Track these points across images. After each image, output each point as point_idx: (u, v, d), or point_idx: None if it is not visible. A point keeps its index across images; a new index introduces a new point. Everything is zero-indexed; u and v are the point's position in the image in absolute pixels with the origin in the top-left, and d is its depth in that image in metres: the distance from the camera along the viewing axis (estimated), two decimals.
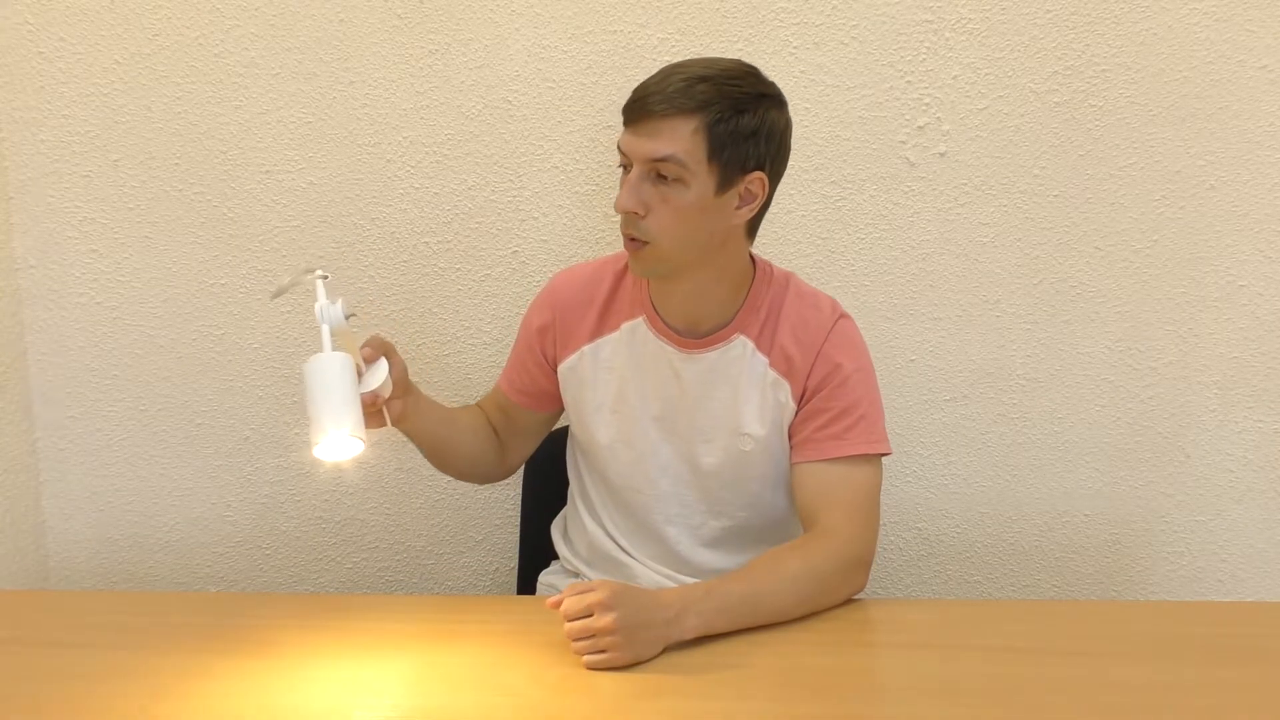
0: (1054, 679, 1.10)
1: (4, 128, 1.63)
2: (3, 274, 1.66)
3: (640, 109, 1.20)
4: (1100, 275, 1.66)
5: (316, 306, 1.16)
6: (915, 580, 1.79)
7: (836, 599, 1.25)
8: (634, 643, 1.11)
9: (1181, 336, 1.68)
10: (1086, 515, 1.75)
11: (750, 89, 1.21)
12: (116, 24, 1.59)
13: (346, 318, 1.17)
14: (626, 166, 1.23)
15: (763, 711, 1.05)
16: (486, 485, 1.75)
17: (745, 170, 1.22)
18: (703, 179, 1.20)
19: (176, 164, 1.64)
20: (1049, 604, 1.63)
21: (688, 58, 1.26)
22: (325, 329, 1.15)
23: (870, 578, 1.29)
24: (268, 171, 1.64)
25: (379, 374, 1.20)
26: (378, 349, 1.20)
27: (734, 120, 1.19)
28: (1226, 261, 1.65)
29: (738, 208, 1.25)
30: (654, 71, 1.24)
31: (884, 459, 1.33)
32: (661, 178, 1.20)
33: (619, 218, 1.63)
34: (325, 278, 1.19)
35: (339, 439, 1.12)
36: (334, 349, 1.15)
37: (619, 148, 1.23)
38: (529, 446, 1.48)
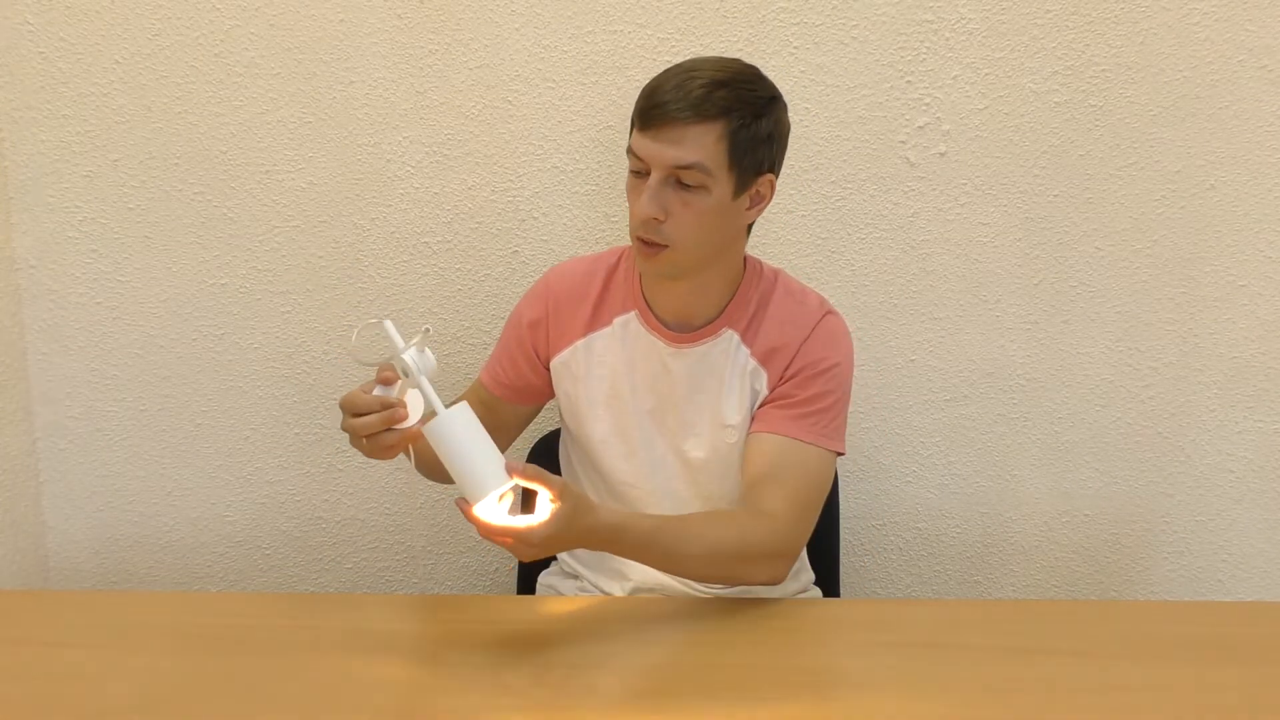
0: (1054, 679, 1.10)
1: (4, 128, 1.63)
2: (3, 274, 1.66)
3: (661, 115, 1.18)
4: (1100, 275, 1.66)
5: (407, 357, 1.10)
6: (915, 580, 1.79)
7: (749, 582, 1.27)
8: (547, 549, 1.12)
9: (1181, 336, 1.68)
10: (1086, 515, 1.75)
11: (764, 92, 1.23)
12: (116, 24, 1.59)
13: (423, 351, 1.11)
14: (640, 171, 1.22)
15: (761, 711, 1.05)
16: None
17: (760, 173, 1.25)
18: (722, 184, 1.21)
19: (176, 164, 1.64)
20: (1049, 604, 1.63)
21: (687, 57, 1.26)
22: (424, 380, 1.10)
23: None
24: (268, 171, 1.64)
25: (419, 407, 1.15)
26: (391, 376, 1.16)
27: (754, 126, 1.21)
28: (1226, 261, 1.65)
29: (748, 209, 1.27)
30: (653, 71, 1.25)
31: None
32: (682, 183, 1.20)
33: (619, 218, 1.63)
34: (428, 330, 1.12)
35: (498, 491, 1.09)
36: (406, 390, 1.12)
37: (633, 151, 1.22)
38: (506, 442, 1.48)
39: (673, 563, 1.22)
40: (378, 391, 1.14)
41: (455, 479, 1.09)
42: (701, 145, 1.18)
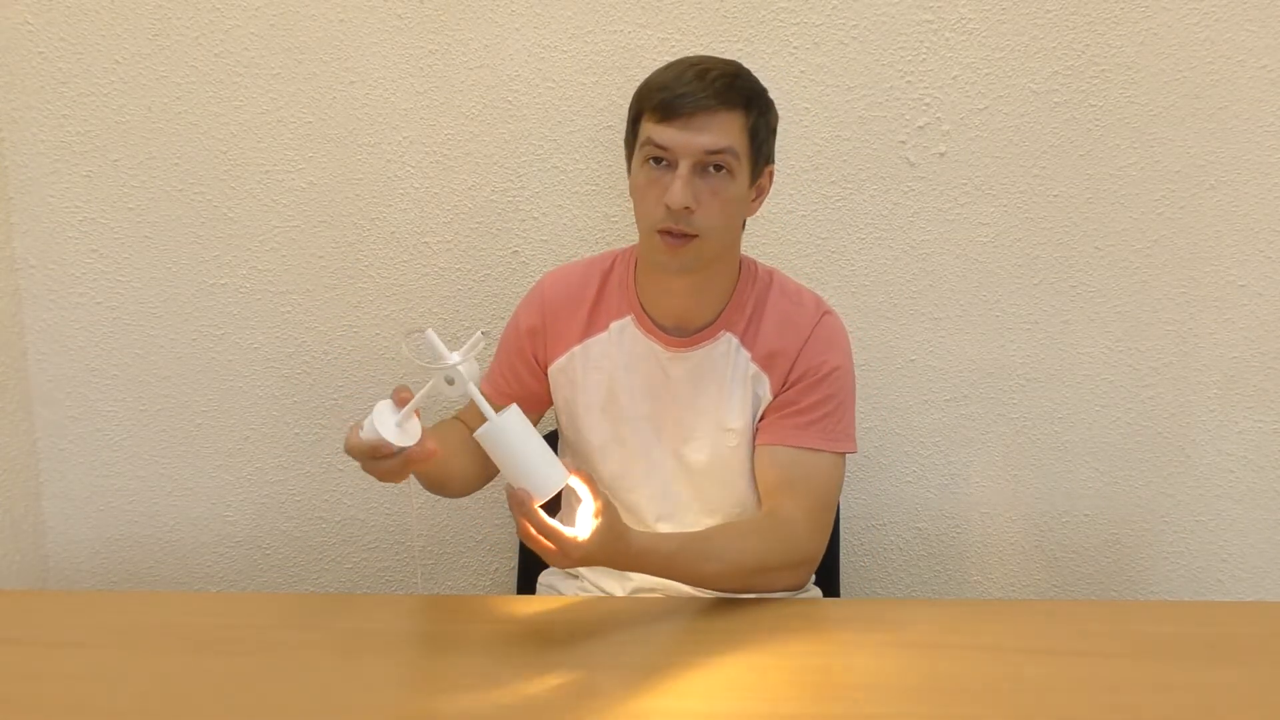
0: (1054, 679, 1.10)
1: (4, 128, 1.63)
2: (3, 274, 1.66)
3: (689, 104, 1.20)
4: (1100, 275, 1.66)
5: (460, 369, 1.09)
6: (915, 580, 1.78)
7: (772, 590, 1.29)
8: (581, 563, 1.14)
9: (1181, 336, 1.68)
10: (1086, 515, 1.75)
11: (761, 86, 1.27)
12: (116, 24, 1.59)
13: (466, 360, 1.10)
14: (664, 161, 1.23)
15: (761, 711, 1.05)
16: (486, 485, 1.75)
17: (766, 163, 1.29)
18: (744, 171, 1.25)
19: (176, 164, 1.64)
20: (1049, 604, 1.63)
21: (685, 57, 1.26)
22: (473, 389, 1.10)
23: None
24: (268, 171, 1.64)
25: (414, 429, 1.14)
26: (405, 397, 1.15)
27: (766, 115, 1.26)
28: (1226, 261, 1.65)
29: (753, 200, 1.30)
30: (653, 70, 1.25)
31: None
32: (710, 171, 1.22)
33: (619, 217, 1.63)
34: (484, 333, 1.12)
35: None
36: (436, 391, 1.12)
37: (654, 143, 1.22)
38: None
39: (696, 580, 1.24)
40: (374, 420, 1.13)
41: (518, 478, 1.09)
42: (729, 131, 1.21)
